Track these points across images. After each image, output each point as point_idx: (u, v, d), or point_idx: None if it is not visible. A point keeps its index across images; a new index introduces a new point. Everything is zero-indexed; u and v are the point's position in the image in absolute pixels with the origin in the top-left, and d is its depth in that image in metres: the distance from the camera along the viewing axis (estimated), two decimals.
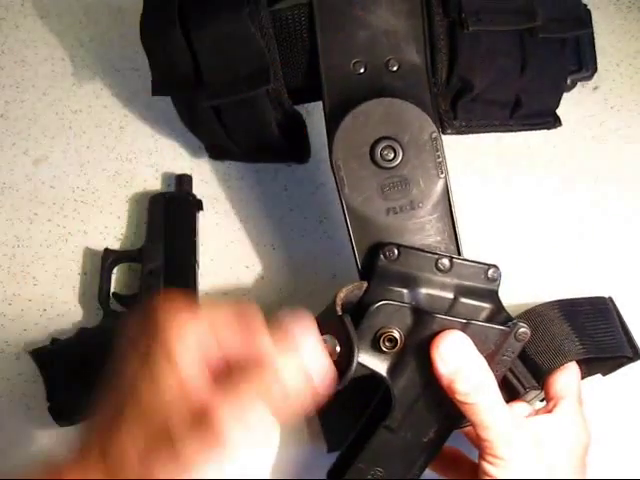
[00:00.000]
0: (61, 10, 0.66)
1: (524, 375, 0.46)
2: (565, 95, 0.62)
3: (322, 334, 0.39)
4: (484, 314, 0.44)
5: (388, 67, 0.47)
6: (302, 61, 0.49)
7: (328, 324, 0.40)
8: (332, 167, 0.44)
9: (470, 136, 0.62)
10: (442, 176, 0.45)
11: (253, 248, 0.58)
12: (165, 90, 0.52)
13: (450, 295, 0.44)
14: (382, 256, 0.44)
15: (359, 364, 0.40)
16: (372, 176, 0.44)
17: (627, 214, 0.60)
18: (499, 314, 0.44)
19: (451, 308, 0.43)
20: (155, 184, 0.61)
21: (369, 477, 0.44)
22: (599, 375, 0.49)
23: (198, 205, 0.59)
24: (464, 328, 0.41)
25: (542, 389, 0.46)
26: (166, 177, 0.61)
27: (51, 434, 0.53)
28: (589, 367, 0.48)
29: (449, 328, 0.41)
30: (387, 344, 0.41)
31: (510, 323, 0.43)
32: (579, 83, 0.63)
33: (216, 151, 0.59)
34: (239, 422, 0.33)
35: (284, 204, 0.60)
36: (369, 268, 0.44)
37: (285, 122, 0.52)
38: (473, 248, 0.56)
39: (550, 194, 0.61)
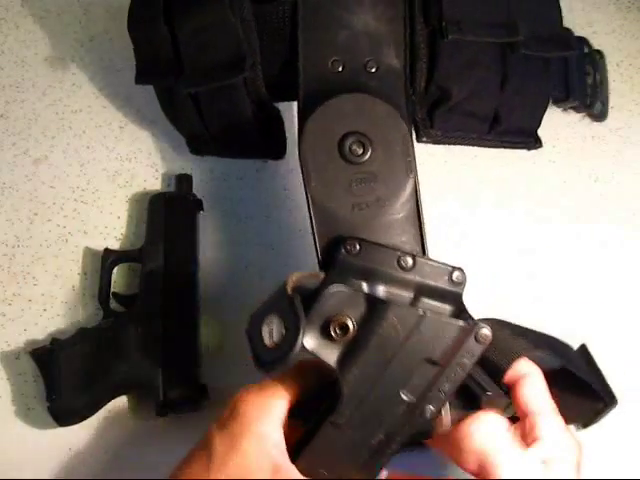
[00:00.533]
0: (61, 10, 0.66)
1: (486, 381, 0.45)
2: None
3: (268, 314, 0.38)
4: (446, 315, 0.43)
5: (366, 68, 0.47)
6: (282, 56, 0.49)
7: (276, 304, 0.39)
8: (300, 159, 0.44)
9: None
10: (411, 176, 0.44)
11: (253, 248, 0.58)
12: (148, 78, 0.52)
13: (410, 294, 0.42)
14: (343, 250, 0.42)
15: (307, 352, 0.39)
16: (339, 170, 0.44)
17: (627, 214, 0.60)
18: (461, 316, 0.42)
19: (410, 305, 0.42)
20: (155, 184, 0.61)
21: None
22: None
23: (198, 205, 0.59)
24: (419, 320, 0.39)
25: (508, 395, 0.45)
26: (166, 177, 0.61)
27: (51, 434, 0.53)
28: (564, 409, 0.45)
29: (406, 317, 0.39)
30: (338, 331, 0.39)
31: (470, 321, 0.41)
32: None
33: (196, 145, 0.59)
34: None
35: (284, 204, 0.60)
36: (329, 261, 0.43)
37: (261, 115, 0.52)
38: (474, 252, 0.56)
39: (549, 194, 0.61)
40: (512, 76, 0.52)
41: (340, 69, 0.47)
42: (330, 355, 0.40)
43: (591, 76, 0.62)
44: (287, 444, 0.40)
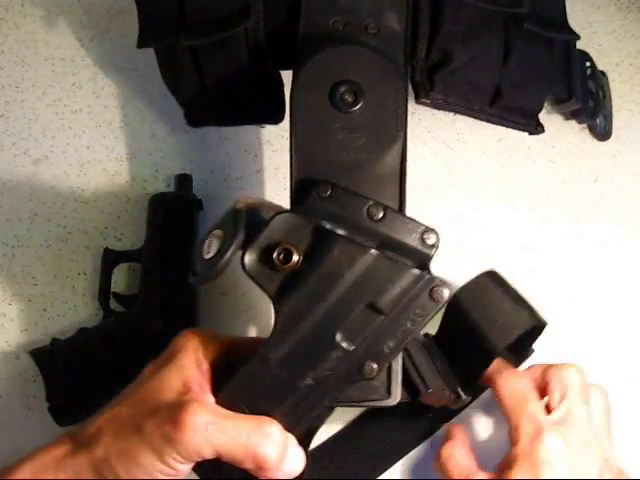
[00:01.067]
0: (61, 10, 0.66)
1: (429, 375, 0.45)
2: None
3: (214, 229, 0.38)
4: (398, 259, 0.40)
5: (367, 29, 0.46)
6: (284, 11, 0.49)
7: (222, 220, 0.39)
8: (290, 102, 0.43)
9: (470, 134, 0.63)
10: (400, 131, 0.43)
11: None
12: (151, 38, 0.52)
13: (373, 244, 0.40)
14: (314, 192, 0.40)
15: (247, 273, 0.38)
16: (328, 116, 0.42)
17: (627, 214, 0.60)
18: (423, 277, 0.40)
19: None
20: (155, 184, 0.61)
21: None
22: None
23: (198, 205, 0.59)
24: (367, 259, 0.37)
25: (446, 396, 0.46)
26: (166, 177, 0.61)
27: (51, 434, 0.53)
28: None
29: (353, 254, 0.37)
30: (280, 258, 0.37)
31: (426, 273, 0.38)
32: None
33: (193, 115, 0.58)
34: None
35: (284, 204, 0.59)
36: (299, 202, 0.41)
37: (261, 71, 0.52)
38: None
39: (549, 194, 0.61)
40: (514, 51, 0.52)
41: (341, 27, 0.46)
42: (269, 283, 0.38)
43: (594, 92, 0.62)
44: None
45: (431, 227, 0.41)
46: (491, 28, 0.51)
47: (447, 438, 0.47)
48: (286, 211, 0.40)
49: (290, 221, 0.39)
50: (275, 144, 0.61)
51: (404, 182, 0.44)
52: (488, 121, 0.56)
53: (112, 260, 0.56)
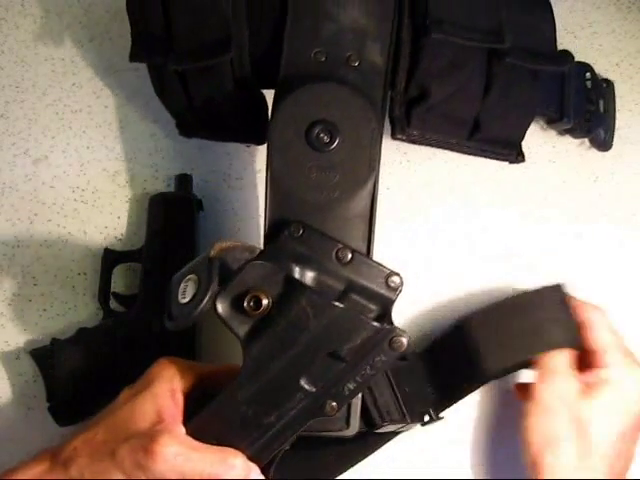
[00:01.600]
0: (61, 10, 0.66)
1: (387, 407, 0.47)
2: None
3: (188, 274, 0.40)
4: (369, 316, 0.42)
5: (348, 61, 0.47)
6: (268, 40, 0.49)
7: (197, 266, 0.40)
8: (268, 135, 0.44)
9: None
10: (372, 174, 0.44)
11: None
12: (141, 54, 0.53)
13: (341, 287, 0.42)
14: (286, 231, 0.42)
15: (220, 317, 0.39)
16: (303, 154, 0.43)
17: (627, 214, 0.60)
18: (382, 320, 0.42)
19: (337, 299, 0.42)
20: (155, 184, 0.61)
21: None
22: None
23: (198, 205, 0.59)
24: (331, 312, 0.39)
25: (408, 423, 0.49)
26: (166, 177, 0.61)
27: (51, 434, 0.53)
28: None
29: (319, 306, 0.39)
30: (251, 305, 0.39)
31: (385, 325, 0.40)
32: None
33: (184, 126, 0.59)
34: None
35: None
36: (271, 240, 0.43)
37: (245, 97, 0.52)
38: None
39: (549, 194, 0.61)
40: (496, 84, 0.51)
41: (323, 59, 0.47)
42: (240, 326, 0.40)
43: (594, 104, 0.61)
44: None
45: (395, 271, 0.43)
46: (473, 62, 0.51)
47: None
48: (258, 257, 0.41)
49: (261, 269, 0.40)
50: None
51: (373, 222, 0.45)
52: (466, 153, 0.56)
53: (112, 260, 0.56)
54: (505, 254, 0.59)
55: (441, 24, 0.48)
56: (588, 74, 0.62)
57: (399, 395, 0.49)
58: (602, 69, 0.64)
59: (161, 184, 0.61)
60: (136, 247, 0.57)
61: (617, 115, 0.63)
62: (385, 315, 0.43)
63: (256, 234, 0.59)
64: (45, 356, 0.53)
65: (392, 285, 0.43)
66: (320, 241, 0.43)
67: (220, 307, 0.39)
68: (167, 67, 0.51)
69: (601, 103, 0.61)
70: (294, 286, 0.40)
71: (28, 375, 0.55)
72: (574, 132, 0.61)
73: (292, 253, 0.42)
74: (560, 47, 0.63)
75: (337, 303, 0.39)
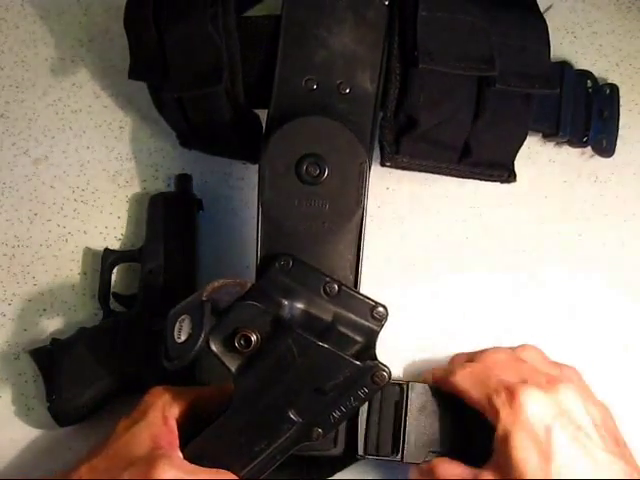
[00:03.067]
0: (61, 10, 0.66)
1: (378, 441, 0.48)
2: None
3: (182, 314, 0.42)
4: (355, 348, 0.45)
5: (339, 89, 0.48)
6: (261, 67, 0.50)
7: (191, 307, 0.42)
8: (259, 167, 0.45)
9: None
10: (360, 207, 0.45)
11: (253, 248, 0.58)
12: (139, 75, 0.54)
13: (328, 319, 0.45)
14: (277, 264, 0.45)
15: (213, 354, 0.42)
16: (293, 187, 0.45)
17: (626, 214, 0.60)
18: (368, 353, 0.45)
19: (324, 331, 0.44)
20: (155, 184, 0.61)
21: None
22: None
23: (198, 205, 0.59)
24: (316, 352, 0.42)
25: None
26: (166, 177, 0.61)
27: (51, 434, 0.53)
28: None
29: (303, 347, 0.42)
30: (242, 343, 0.42)
31: (369, 362, 0.43)
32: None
33: (184, 140, 0.60)
34: None
35: None
36: (262, 272, 0.46)
37: (240, 120, 0.53)
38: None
39: (549, 194, 0.61)
40: (486, 109, 0.51)
41: (314, 87, 0.48)
42: (232, 361, 0.43)
43: (595, 112, 0.60)
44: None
45: (381, 303, 0.45)
46: (462, 89, 0.51)
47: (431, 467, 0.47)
48: (249, 292, 0.44)
49: (250, 309, 0.42)
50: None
51: (361, 252, 0.46)
52: (455, 176, 0.56)
53: (112, 260, 0.56)
54: (505, 253, 0.59)
55: (430, 55, 0.47)
56: (589, 82, 0.61)
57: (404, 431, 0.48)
58: (602, 69, 0.64)
59: (161, 184, 0.61)
60: (136, 247, 0.57)
61: None
62: (370, 346, 0.45)
63: (255, 234, 0.58)
64: (45, 356, 0.53)
65: (377, 316, 0.45)
66: (309, 275, 0.45)
67: (213, 346, 0.42)
68: (163, 92, 0.52)
69: (605, 111, 0.61)
70: (282, 327, 0.42)
71: (28, 375, 0.55)
72: (572, 143, 0.61)
73: (282, 286, 0.44)
74: (560, 47, 0.63)
75: (322, 344, 0.42)
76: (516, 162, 0.57)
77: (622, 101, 0.64)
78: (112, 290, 0.56)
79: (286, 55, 0.48)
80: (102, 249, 0.56)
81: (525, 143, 0.62)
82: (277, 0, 0.49)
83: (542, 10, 0.54)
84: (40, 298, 0.57)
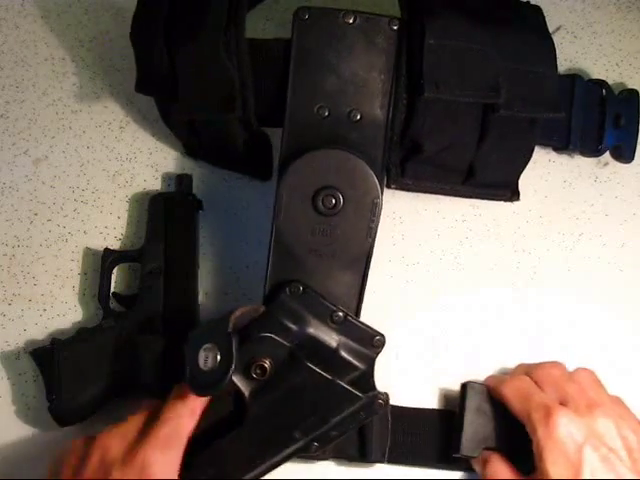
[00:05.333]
0: (61, 10, 0.66)
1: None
2: None
3: (207, 341, 0.43)
4: (355, 374, 0.48)
5: (350, 116, 0.49)
6: (272, 91, 0.50)
7: (215, 334, 0.44)
8: (276, 194, 0.47)
9: None
10: (369, 240, 0.47)
11: (253, 248, 0.58)
12: (147, 90, 0.54)
13: (334, 345, 0.47)
14: (287, 290, 0.47)
15: (234, 385, 0.45)
16: (308, 216, 0.47)
17: (626, 214, 0.60)
18: (366, 379, 0.48)
19: (329, 356, 0.47)
20: (155, 184, 0.61)
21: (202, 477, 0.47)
22: None
23: (198, 205, 0.58)
24: (327, 383, 0.45)
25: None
26: (166, 177, 0.61)
27: (51, 434, 0.53)
28: None
29: (316, 380, 0.45)
30: (257, 371, 0.45)
31: (371, 393, 0.47)
32: None
33: (191, 151, 0.60)
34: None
35: None
36: (272, 296, 0.48)
37: (251, 142, 0.54)
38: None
39: (549, 194, 0.61)
40: (490, 134, 0.51)
41: (326, 114, 0.49)
42: (247, 387, 0.46)
43: (609, 121, 0.59)
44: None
45: (379, 332, 0.48)
46: (467, 115, 0.51)
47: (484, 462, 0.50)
48: (261, 316, 0.47)
49: (268, 342, 0.45)
50: (276, 144, 0.61)
51: (365, 284, 0.48)
52: (459, 196, 0.57)
53: (112, 260, 0.56)
54: (505, 253, 0.59)
55: (435, 84, 0.48)
56: (604, 91, 0.61)
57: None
58: (602, 69, 0.64)
59: (161, 184, 0.61)
60: (136, 247, 0.57)
61: None
62: (369, 372, 0.48)
63: (255, 234, 0.59)
64: (45, 356, 0.53)
65: (376, 344, 0.48)
66: (317, 303, 0.47)
67: (234, 377, 0.44)
68: (172, 111, 0.52)
69: (620, 117, 0.60)
70: (296, 359, 0.46)
71: (28, 375, 0.55)
72: (584, 154, 0.61)
73: (292, 312, 0.47)
74: (560, 47, 0.63)
75: (329, 377, 0.45)
76: None
77: None
78: (112, 290, 0.56)
79: (297, 81, 0.49)
80: (102, 249, 0.56)
81: None
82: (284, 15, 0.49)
83: (551, 31, 0.54)
84: (40, 298, 0.57)
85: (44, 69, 0.64)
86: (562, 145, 0.59)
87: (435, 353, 0.56)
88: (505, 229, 0.59)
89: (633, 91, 0.61)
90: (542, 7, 0.55)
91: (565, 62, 0.64)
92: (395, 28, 0.49)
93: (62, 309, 0.57)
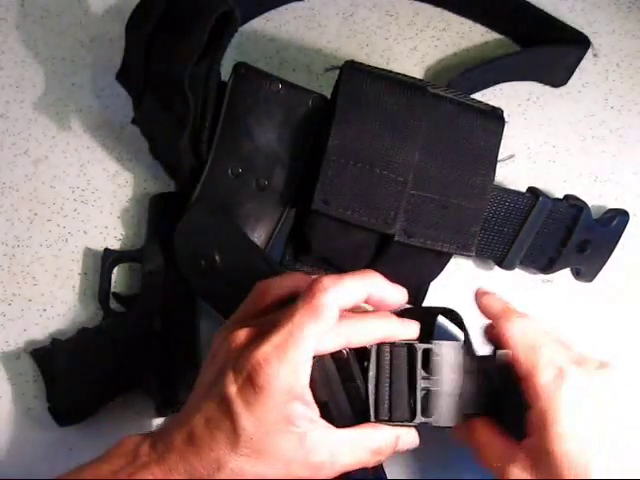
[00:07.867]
0: (61, 10, 0.66)
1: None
2: (567, 91, 0.63)
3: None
4: None
5: (257, 182, 0.50)
6: (206, 136, 0.51)
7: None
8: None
9: None
10: None
11: None
12: (122, 82, 0.56)
13: None
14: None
15: None
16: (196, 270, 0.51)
17: None
18: None
19: None
20: (155, 184, 0.61)
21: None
22: None
23: None
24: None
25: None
26: (166, 177, 0.61)
27: (51, 434, 0.53)
28: None
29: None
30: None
31: None
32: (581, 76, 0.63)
33: (150, 149, 0.60)
34: None
35: None
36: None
37: (199, 171, 0.53)
38: None
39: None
40: (386, 255, 0.50)
41: (238, 174, 0.50)
42: None
43: (571, 246, 0.54)
44: None
45: None
46: (360, 233, 0.49)
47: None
48: None
49: None
50: None
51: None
52: None
53: (112, 260, 0.56)
54: None
55: (324, 200, 0.47)
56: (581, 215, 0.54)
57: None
58: (602, 69, 0.64)
59: (161, 184, 0.61)
60: (136, 247, 0.57)
61: (617, 115, 0.63)
62: None
63: None
64: (45, 356, 0.53)
65: None
66: None
67: None
68: (135, 111, 0.55)
69: (589, 244, 0.55)
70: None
71: (28, 375, 0.55)
72: (529, 270, 0.57)
73: None
74: None
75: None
76: (516, 161, 0.57)
77: (622, 101, 0.64)
78: (112, 290, 0.56)
79: (222, 137, 0.50)
80: (102, 249, 0.56)
81: (525, 143, 0.62)
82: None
83: (501, 157, 0.51)
84: (40, 298, 0.57)
85: (44, 69, 0.64)
86: (496, 261, 0.55)
87: None
88: None
89: (622, 217, 0.55)
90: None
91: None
92: (314, 105, 0.49)
93: (62, 309, 0.57)
